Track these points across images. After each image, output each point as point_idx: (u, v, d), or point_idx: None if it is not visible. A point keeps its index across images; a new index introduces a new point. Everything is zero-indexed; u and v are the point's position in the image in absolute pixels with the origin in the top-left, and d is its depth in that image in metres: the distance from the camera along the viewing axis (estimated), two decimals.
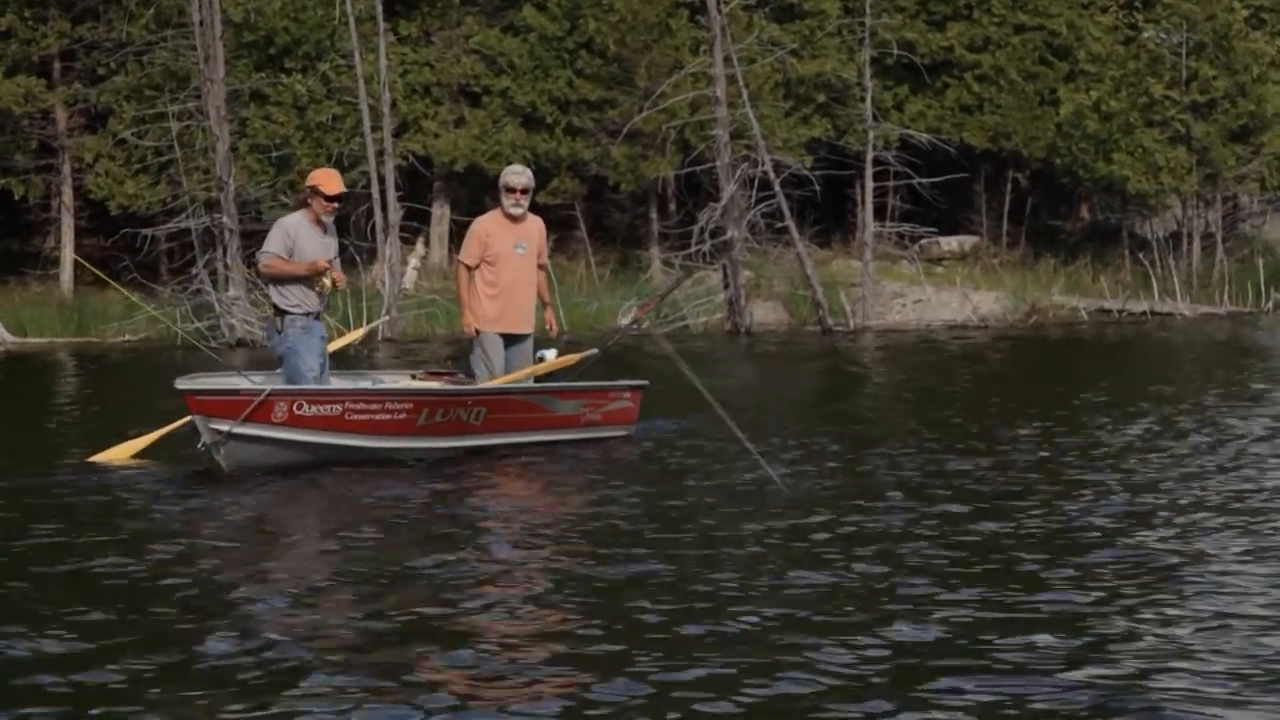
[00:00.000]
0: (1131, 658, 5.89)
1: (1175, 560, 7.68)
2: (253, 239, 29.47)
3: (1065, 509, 9.02)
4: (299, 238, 11.32)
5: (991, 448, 11.78)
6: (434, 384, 12.06)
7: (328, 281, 11.32)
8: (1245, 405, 14.87)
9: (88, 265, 16.41)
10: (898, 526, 8.53)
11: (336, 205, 11.48)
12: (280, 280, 11.30)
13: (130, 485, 10.46)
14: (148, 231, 29.23)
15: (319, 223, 11.43)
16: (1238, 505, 9.29)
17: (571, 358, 12.96)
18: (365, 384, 12.01)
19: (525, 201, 12.26)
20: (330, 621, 6.62)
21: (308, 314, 11.32)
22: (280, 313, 11.30)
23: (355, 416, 11.09)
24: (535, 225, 12.36)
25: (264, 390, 10.74)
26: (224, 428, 10.61)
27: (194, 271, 28.88)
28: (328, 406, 10.99)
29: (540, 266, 12.42)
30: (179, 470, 11.19)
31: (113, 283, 17.70)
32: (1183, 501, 9.35)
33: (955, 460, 11.07)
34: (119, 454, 11.71)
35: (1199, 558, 7.74)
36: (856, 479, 10.40)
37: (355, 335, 14.51)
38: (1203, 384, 17.53)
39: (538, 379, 12.59)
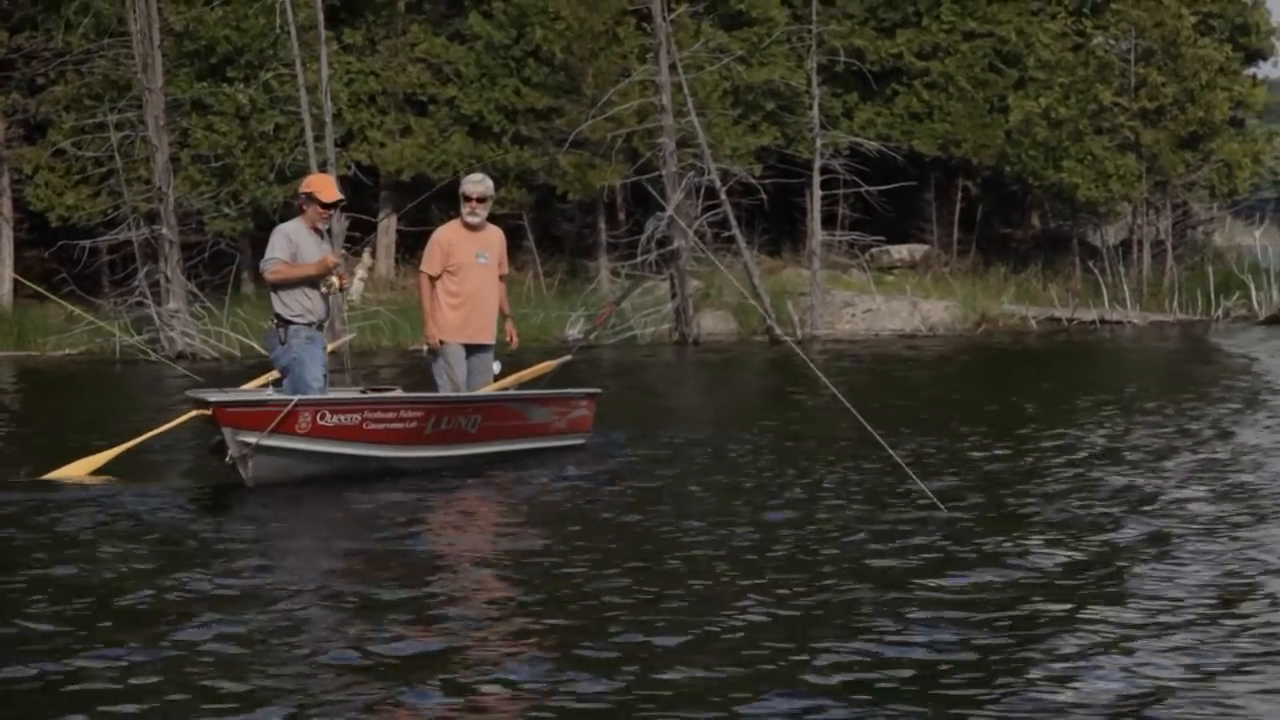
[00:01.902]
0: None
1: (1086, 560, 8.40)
2: (193, 250, 29.95)
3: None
4: (300, 244, 11.50)
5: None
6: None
7: (335, 280, 11.52)
8: (1153, 415, 15.58)
9: (26, 281, 16.72)
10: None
11: (333, 213, 11.69)
12: (284, 288, 11.44)
13: (95, 502, 10.62)
14: (85, 243, 29.56)
15: (315, 229, 11.65)
16: (1145, 513, 10.02)
17: (549, 364, 13.58)
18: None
19: (483, 210, 12.49)
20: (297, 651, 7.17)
21: (311, 324, 11.50)
22: (284, 323, 11.45)
23: (373, 426, 11.34)
24: (496, 235, 12.64)
25: (291, 401, 10.98)
26: (251, 440, 10.80)
27: (134, 284, 29.29)
28: (348, 416, 11.22)
29: (501, 277, 12.70)
30: (142, 487, 11.37)
31: (53, 296, 18.06)
32: (1095, 509, 10.09)
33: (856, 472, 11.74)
34: (76, 470, 11.88)
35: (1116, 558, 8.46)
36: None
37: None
38: (1139, 393, 18.28)
39: (522, 385, 13.18)
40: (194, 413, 11.73)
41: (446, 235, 12.54)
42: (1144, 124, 33.75)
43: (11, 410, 19.31)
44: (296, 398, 11.08)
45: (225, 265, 30.93)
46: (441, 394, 12.22)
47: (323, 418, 11.11)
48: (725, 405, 18.09)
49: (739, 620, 7.05)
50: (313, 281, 11.52)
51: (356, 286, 32.35)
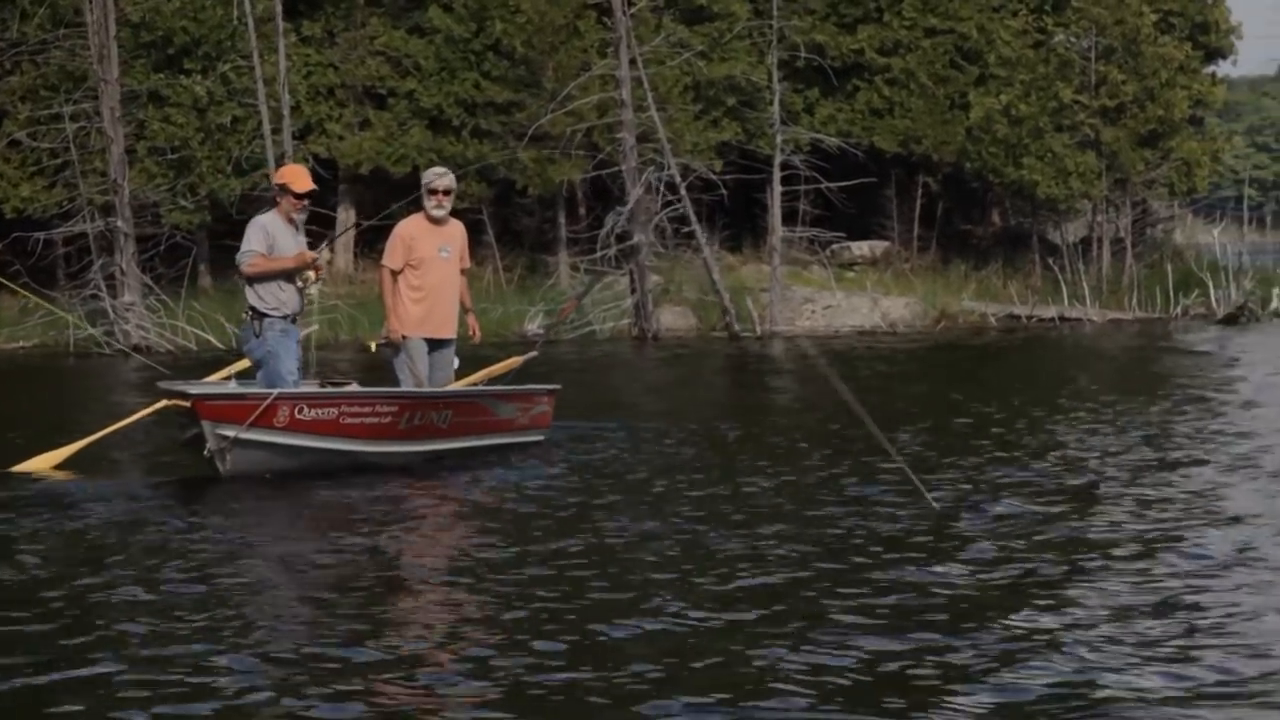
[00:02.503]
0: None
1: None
2: (148, 243, 29.97)
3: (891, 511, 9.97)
4: (277, 236, 11.58)
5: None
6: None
7: (311, 275, 11.60)
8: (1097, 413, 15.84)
9: None
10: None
11: (307, 203, 11.74)
12: (260, 281, 11.51)
13: (59, 497, 10.67)
14: (40, 235, 29.56)
15: (290, 220, 11.73)
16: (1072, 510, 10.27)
17: (516, 360, 13.74)
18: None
19: (448, 203, 12.54)
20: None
21: (285, 316, 11.59)
22: (258, 316, 11.52)
23: (349, 420, 11.44)
24: (458, 229, 12.71)
25: (271, 394, 11.07)
26: (230, 433, 10.92)
27: (89, 277, 29.32)
28: (326, 410, 11.31)
29: (463, 271, 12.77)
30: (107, 480, 11.46)
31: (13, 286, 18.11)
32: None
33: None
34: (40, 464, 11.94)
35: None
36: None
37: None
38: (1082, 391, 18.55)
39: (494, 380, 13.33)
40: (164, 403, 11.78)
41: (409, 229, 12.58)
42: (1104, 122, 34.11)
43: None
44: (276, 391, 11.18)
45: (182, 258, 30.96)
46: (416, 389, 12.30)
47: (301, 412, 11.22)
48: (684, 401, 18.29)
49: (696, 613, 7.24)
50: (288, 275, 11.63)
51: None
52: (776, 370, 23.20)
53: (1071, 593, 7.60)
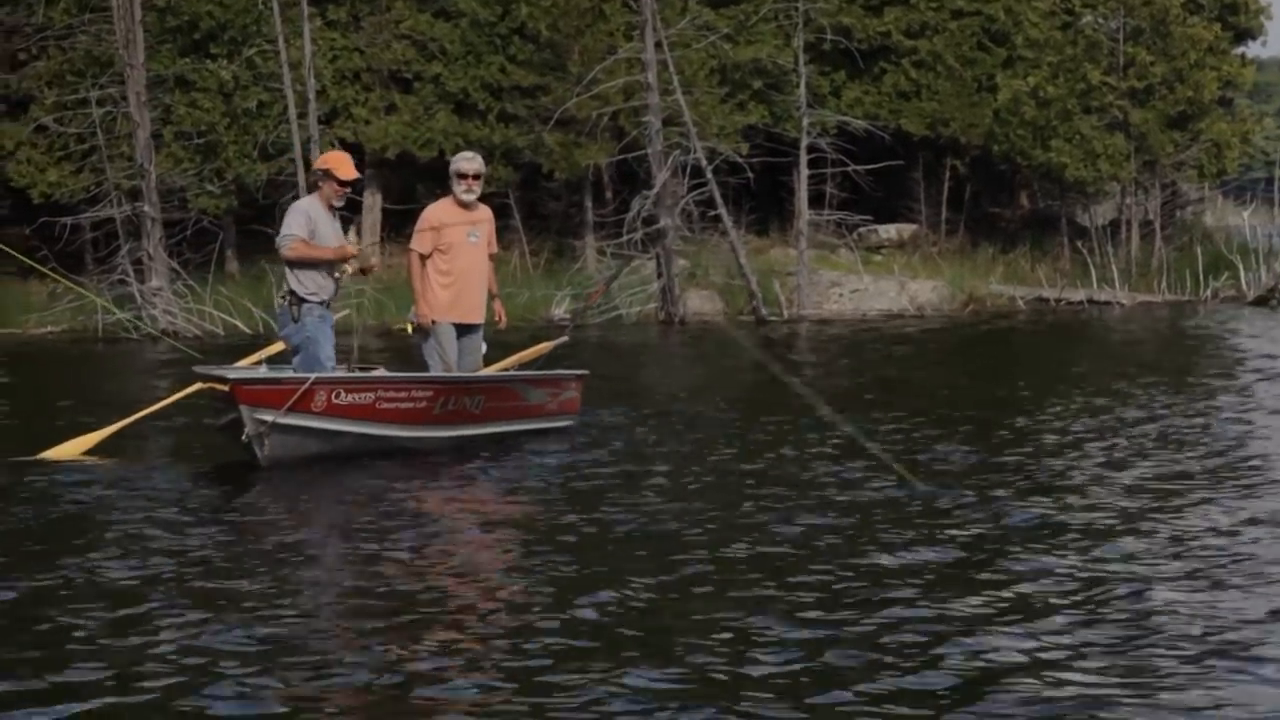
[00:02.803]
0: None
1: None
2: (175, 228, 30.14)
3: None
4: (318, 222, 11.65)
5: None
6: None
7: (349, 268, 11.76)
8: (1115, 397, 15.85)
9: (16, 254, 16.87)
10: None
11: (349, 190, 11.85)
12: (300, 266, 11.57)
13: (90, 482, 10.71)
14: (67, 220, 29.73)
15: (330, 207, 11.81)
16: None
17: (546, 345, 13.84)
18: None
19: (477, 188, 12.56)
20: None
21: (322, 302, 11.68)
22: (297, 301, 11.59)
23: (386, 405, 11.53)
24: (486, 214, 12.73)
25: (308, 379, 11.13)
26: (268, 418, 10.96)
27: (116, 261, 29.50)
28: (362, 395, 11.39)
29: (490, 256, 12.81)
30: (139, 465, 11.53)
31: (45, 270, 18.26)
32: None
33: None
34: (70, 450, 12.01)
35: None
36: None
37: None
38: (1107, 374, 18.57)
39: (524, 365, 13.42)
40: (198, 386, 11.88)
41: (438, 214, 12.62)
42: (1133, 103, 34.05)
43: (8, 388, 19.26)
44: (314, 375, 11.24)
45: (209, 243, 31.11)
46: (451, 374, 12.36)
47: (338, 396, 11.28)
48: (711, 387, 18.34)
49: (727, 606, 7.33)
50: (327, 263, 11.72)
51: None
52: (796, 352, 23.26)
53: (997, 580, 7.67)
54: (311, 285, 11.69)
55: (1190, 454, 11.57)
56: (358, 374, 11.85)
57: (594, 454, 12.02)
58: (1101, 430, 12.91)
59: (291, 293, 11.67)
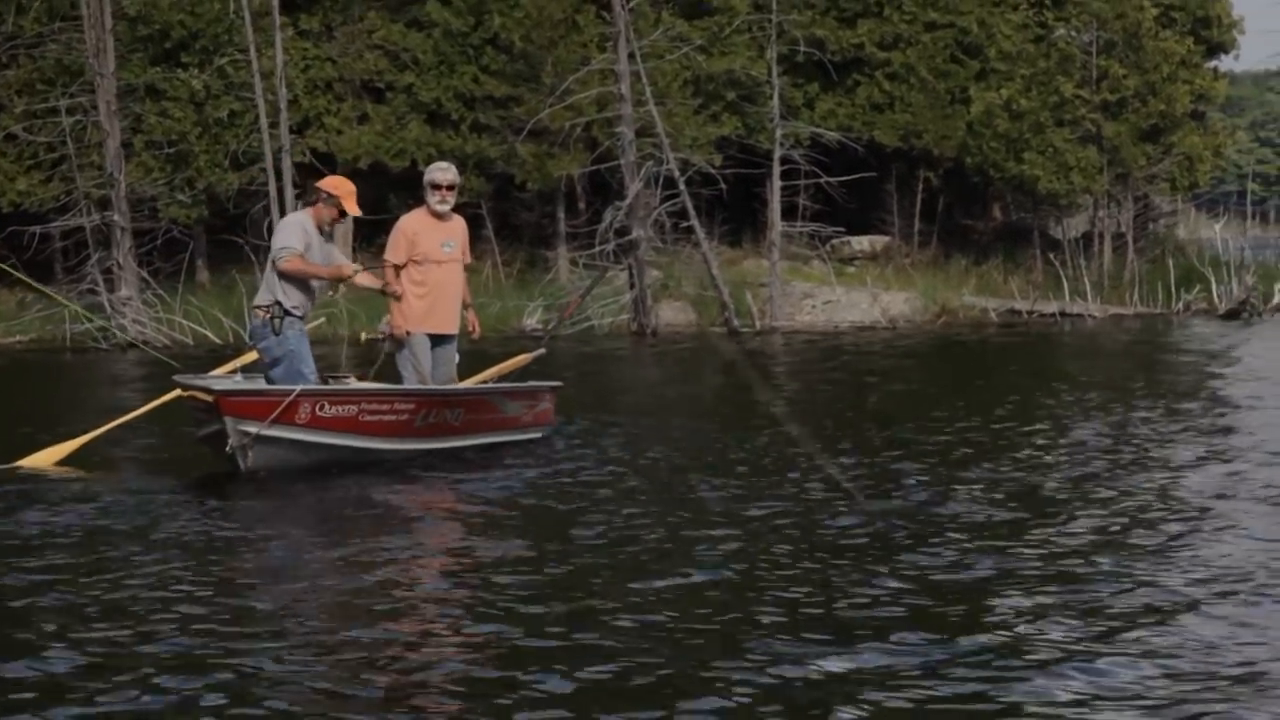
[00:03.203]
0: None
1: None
2: (145, 237, 30.15)
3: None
4: (312, 239, 11.69)
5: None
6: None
7: (365, 282, 12.15)
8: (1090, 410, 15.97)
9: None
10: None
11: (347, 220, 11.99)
12: (290, 279, 11.59)
13: (66, 493, 10.70)
14: (35, 229, 29.71)
15: (321, 229, 11.85)
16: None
17: (524, 357, 13.91)
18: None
19: (451, 199, 12.56)
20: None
21: (302, 316, 11.74)
22: (282, 313, 11.60)
23: (369, 418, 11.54)
24: (460, 224, 12.75)
25: (293, 390, 11.13)
26: (252, 429, 10.96)
27: (85, 270, 29.50)
28: (346, 407, 11.40)
29: (465, 267, 12.84)
30: (112, 476, 11.55)
31: (24, 277, 18.24)
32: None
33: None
34: (44, 459, 12.04)
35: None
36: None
37: None
38: (1068, 387, 18.70)
39: (506, 377, 13.49)
40: (177, 394, 11.92)
41: (412, 224, 12.63)
42: (1105, 116, 34.29)
43: None
44: (300, 387, 11.26)
45: (179, 252, 31.14)
46: (433, 387, 12.41)
47: (321, 409, 11.31)
48: (681, 399, 18.44)
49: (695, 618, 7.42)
50: (314, 279, 11.81)
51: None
52: (773, 364, 23.37)
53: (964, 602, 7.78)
54: (296, 299, 11.71)
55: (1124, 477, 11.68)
56: (342, 386, 11.87)
57: (566, 465, 12.10)
58: (1064, 447, 13.01)
59: (277, 304, 11.65)
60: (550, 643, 6.68)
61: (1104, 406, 15.79)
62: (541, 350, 14.40)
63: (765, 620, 7.04)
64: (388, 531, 9.47)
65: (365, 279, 12.45)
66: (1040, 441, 13.14)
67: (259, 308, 11.74)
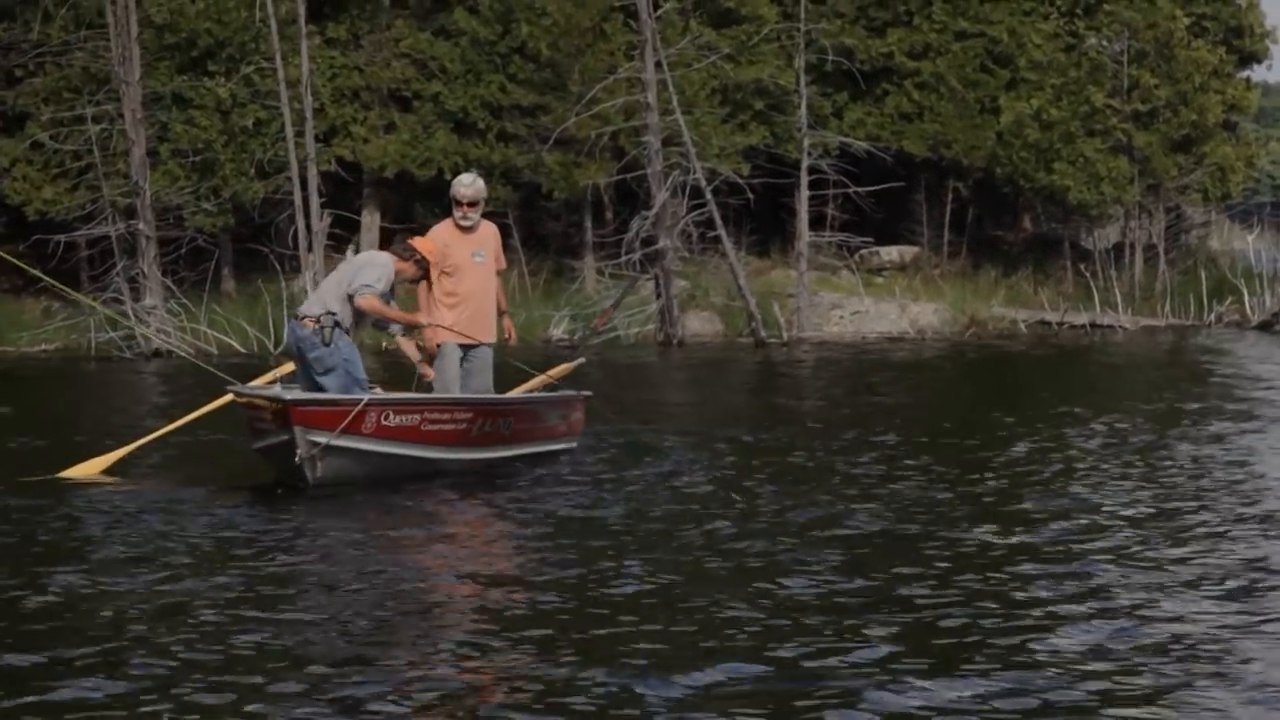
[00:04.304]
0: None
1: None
2: (170, 246, 30.32)
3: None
4: (389, 285, 11.99)
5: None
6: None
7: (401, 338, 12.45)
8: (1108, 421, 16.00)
9: (25, 267, 17.02)
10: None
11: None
12: (363, 312, 11.83)
13: (109, 503, 10.75)
14: (60, 238, 29.88)
15: (396, 281, 12.18)
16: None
17: (567, 367, 14.10)
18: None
19: (475, 214, 12.60)
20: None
21: (348, 330, 11.91)
22: (336, 326, 11.72)
23: (430, 426, 11.70)
24: (490, 231, 12.81)
25: (361, 400, 11.26)
26: (322, 440, 11.06)
27: (110, 279, 29.68)
28: (410, 416, 11.55)
29: (498, 273, 12.93)
30: (161, 486, 11.63)
31: (58, 285, 18.40)
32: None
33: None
34: (89, 469, 12.17)
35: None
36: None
37: None
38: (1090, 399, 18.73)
39: (551, 387, 13.63)
40: (225, 400, 12.16)
41: (441, 235, 12.69)
42: (1136, 126, 34.33)
43: (8, 408, 19.20)
44: (367, 396, 11.40)
45: (204, 261, 31.32)
46: (490, 396, 12.59)
47: (387, 418, 11.43)
48: (707, 411, 18.53)
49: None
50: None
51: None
52: (765, 377, 23.45)
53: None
54: (348, 318, 11.87)
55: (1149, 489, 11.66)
56: (407, 395, 12.04)
57: (596, 474, 12.27)
58: (1086, 463, 13.05)
59: (330, 313, 11.73)
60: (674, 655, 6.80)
61: (1182, 424, 15.58)
62: (582, 360, 14.65)
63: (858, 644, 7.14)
64: (456, 540, 9.63)
65: (409, 348, 12.57)
66: (1132, 460, 12.99)
67: (307, 317, 11.82)
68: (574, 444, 13.59)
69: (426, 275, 12.18)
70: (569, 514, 10.48)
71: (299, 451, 11.03)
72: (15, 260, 16.27)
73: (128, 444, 12.60)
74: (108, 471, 12.19)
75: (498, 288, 12.97)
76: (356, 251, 34.27)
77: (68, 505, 10.75)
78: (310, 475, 11.13)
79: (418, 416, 11.61)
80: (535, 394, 13.48)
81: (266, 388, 11.92)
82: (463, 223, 12.62)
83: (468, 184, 12.73)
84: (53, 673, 6.45)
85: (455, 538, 9.95)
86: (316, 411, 11.10)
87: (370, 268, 11.89)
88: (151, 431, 12.99)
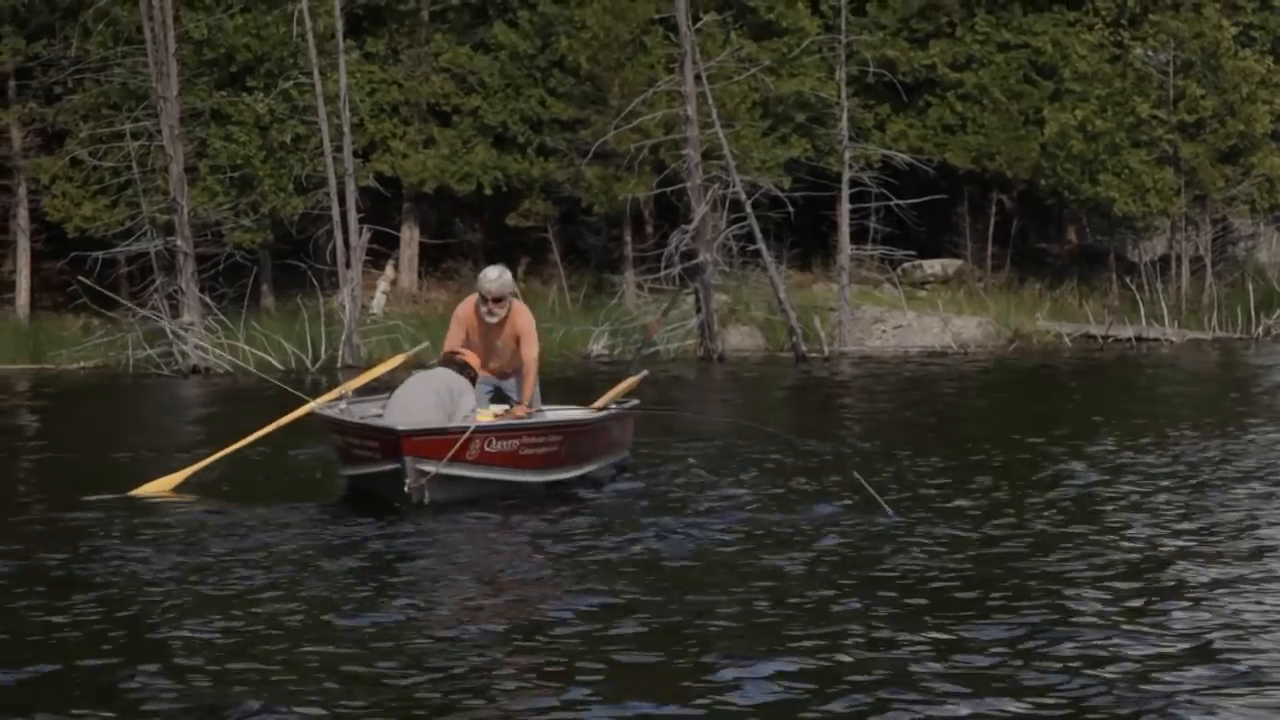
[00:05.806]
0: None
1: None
2: (208, 263, 30.51)
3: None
4: None
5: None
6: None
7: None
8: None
9: (87, 283, 17.16)
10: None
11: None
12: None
13: (185, 519, 10.97)
14: (98, 254, 30.03)
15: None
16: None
17: (633, 381, 14.42)
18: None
19: (501, 310, 12.53)
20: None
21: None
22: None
23: (526, 451, 11.95)
24: (516, 322, 12.61)
25: (469, 428, 11.46)
26: (430, 468, 11.29)
27: (149, 296, 29.85)
28: (509, 442, 11.81)
29: (527, 358, 12.71)
30: (234, 506, 11.79)
31: (115, 296, 18.53)
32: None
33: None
34: (160, 486, 12.37)
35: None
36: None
37: (395, 361, 14.68)
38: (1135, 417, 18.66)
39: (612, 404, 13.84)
40: (300, 414, 12.58)
41: (468, 312, 12.76)
42: (1183, 137, 34.26)
43: (53, 426, 19.43)
44: (475, 424, 11.59)
45: (243, 277, 31.50)
46: (576, 417, 12.89)
47: (489, 444, 11.66)
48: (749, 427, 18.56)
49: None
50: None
51: (378, 300, 32.96)
52: (797, 392, 23.44)
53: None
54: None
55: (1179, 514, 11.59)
56: (507, 421, 12.21)
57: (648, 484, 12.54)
58: (1135, 480, 13.03)
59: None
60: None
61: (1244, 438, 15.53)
62: (645, 372, 14.81)
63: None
64: (548, 559, 9.81)
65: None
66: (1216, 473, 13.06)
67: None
68: (628, 455, 13.83)
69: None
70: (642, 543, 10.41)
71: (407, 481, 11.26)
72: (88, 282, 16.36)
73: (198, 461, 12.79)
74: (179, 488, 12.36)
75: (527, 366, 12.74)
76: (395, 268, 34.38)
77: (153, 526, 10.86)
78: (421, 503, 11.34)
79: (516, 441, 11.85)
80: (606, 410, 13.56)
81: (374, 419, 12.13)
82: (488, 319, 12.63)
83: (493, 279, 12.65)
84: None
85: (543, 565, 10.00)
86: (427, 441, 11.35)
87: (467, 396, 11.98)
88: (216, 449, 13.13)
